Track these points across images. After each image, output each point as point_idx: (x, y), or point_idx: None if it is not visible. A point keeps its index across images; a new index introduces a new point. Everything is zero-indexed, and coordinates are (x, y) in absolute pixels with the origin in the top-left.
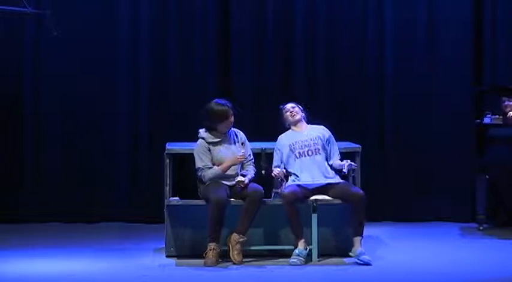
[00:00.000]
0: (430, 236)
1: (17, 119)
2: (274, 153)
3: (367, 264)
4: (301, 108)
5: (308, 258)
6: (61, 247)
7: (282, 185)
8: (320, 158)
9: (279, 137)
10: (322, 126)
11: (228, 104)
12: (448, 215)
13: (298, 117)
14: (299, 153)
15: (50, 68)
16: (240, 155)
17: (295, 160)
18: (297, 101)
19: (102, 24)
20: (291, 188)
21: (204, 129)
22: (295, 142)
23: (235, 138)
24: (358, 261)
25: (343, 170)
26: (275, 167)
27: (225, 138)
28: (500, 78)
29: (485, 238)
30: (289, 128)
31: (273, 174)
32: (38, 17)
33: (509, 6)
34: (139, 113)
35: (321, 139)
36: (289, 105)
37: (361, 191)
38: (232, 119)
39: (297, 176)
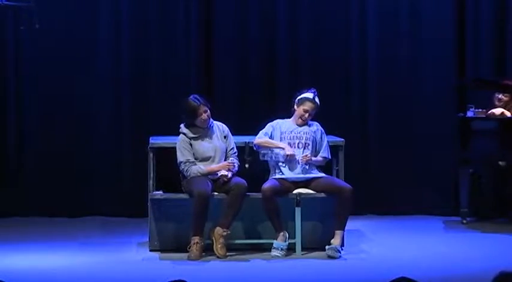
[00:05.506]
0: (413, 230)
1: None
2: (267, 126)
3: (332, 257)
4: (318, 105)
5: (290, 251)
6: (43, 241)
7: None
8: (308, 153)
9: (276, 120)
10: (316, 122)
11: (198, 101)
12: (432, 208)
13: (306, 121)
14: (289, 144)
15: (31, 63)
16: (230, 162)
17: (283, 149)
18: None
19: (83, 19)
20: (270, 183)
21: (184, 125)
22: (288, 130)
23: (218, 132)
24: (329, 254)
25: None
26: (264, 134)
27: (207, 132)
28: (482, 74)
29: (468, 231)
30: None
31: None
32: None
33: (492, 1)
34: (122, 107)
35: (313, 135)
36: (308, 106)
37: (349, 185)
38: (204, 115)
39: (280, 169)
